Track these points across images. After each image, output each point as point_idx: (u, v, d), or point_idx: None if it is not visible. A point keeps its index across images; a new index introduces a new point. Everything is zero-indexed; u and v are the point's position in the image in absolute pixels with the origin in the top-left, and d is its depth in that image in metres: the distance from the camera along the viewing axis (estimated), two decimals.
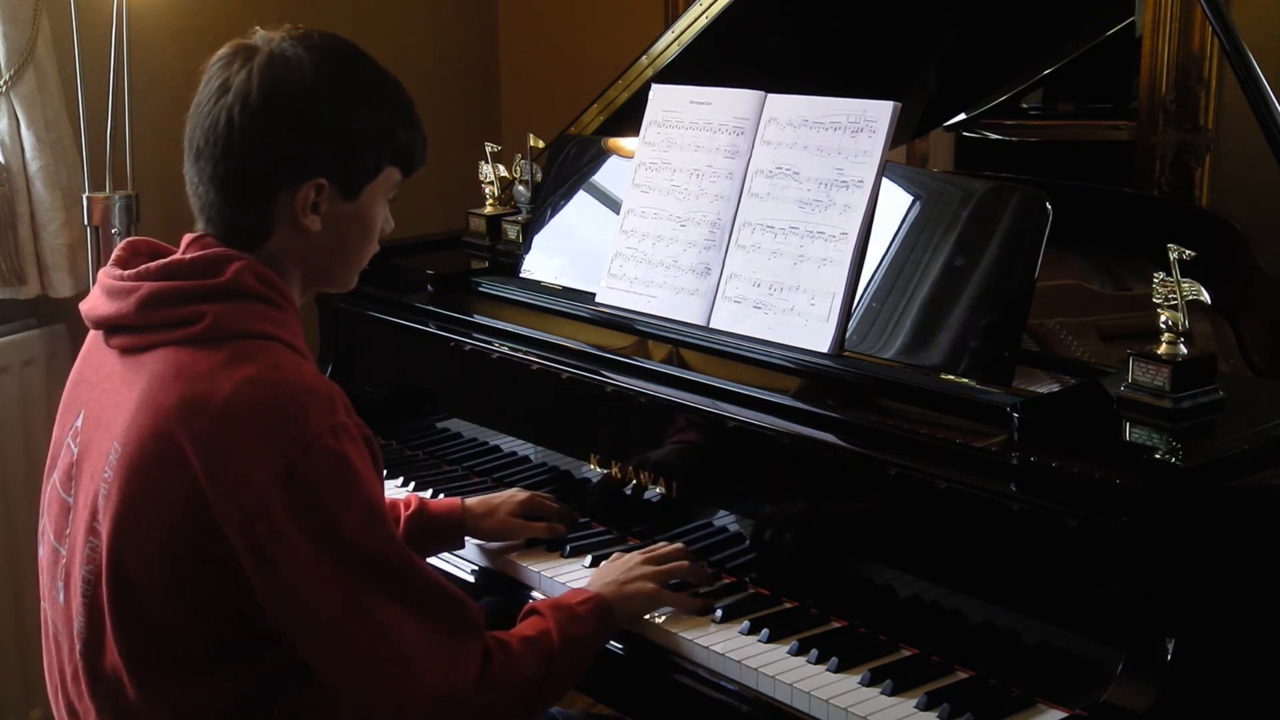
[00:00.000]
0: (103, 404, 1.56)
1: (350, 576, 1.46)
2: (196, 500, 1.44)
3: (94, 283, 1.64)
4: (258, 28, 1.57)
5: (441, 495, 2.18)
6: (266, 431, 1.43)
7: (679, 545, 1.88)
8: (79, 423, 1.60)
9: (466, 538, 2.03)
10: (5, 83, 2.67)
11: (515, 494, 2.06)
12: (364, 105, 1.56)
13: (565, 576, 1.91)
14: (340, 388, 1.52)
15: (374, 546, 1.48)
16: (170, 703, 1.52)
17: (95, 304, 1.58)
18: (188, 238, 1.59)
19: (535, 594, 1.93)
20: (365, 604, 1.46)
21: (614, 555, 1.89)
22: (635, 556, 1.84)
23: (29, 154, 2.72)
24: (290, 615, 1.47)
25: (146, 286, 1.52)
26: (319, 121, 1.53)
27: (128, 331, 1.54)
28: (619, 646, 1.77)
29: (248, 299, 1.52)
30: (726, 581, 1.87)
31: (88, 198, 2.75)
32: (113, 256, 1.60)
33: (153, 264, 1.54)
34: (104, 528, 1.50)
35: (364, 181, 1.58)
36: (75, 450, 1.59)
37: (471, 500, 2.04)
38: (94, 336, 1.63)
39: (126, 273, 1.55)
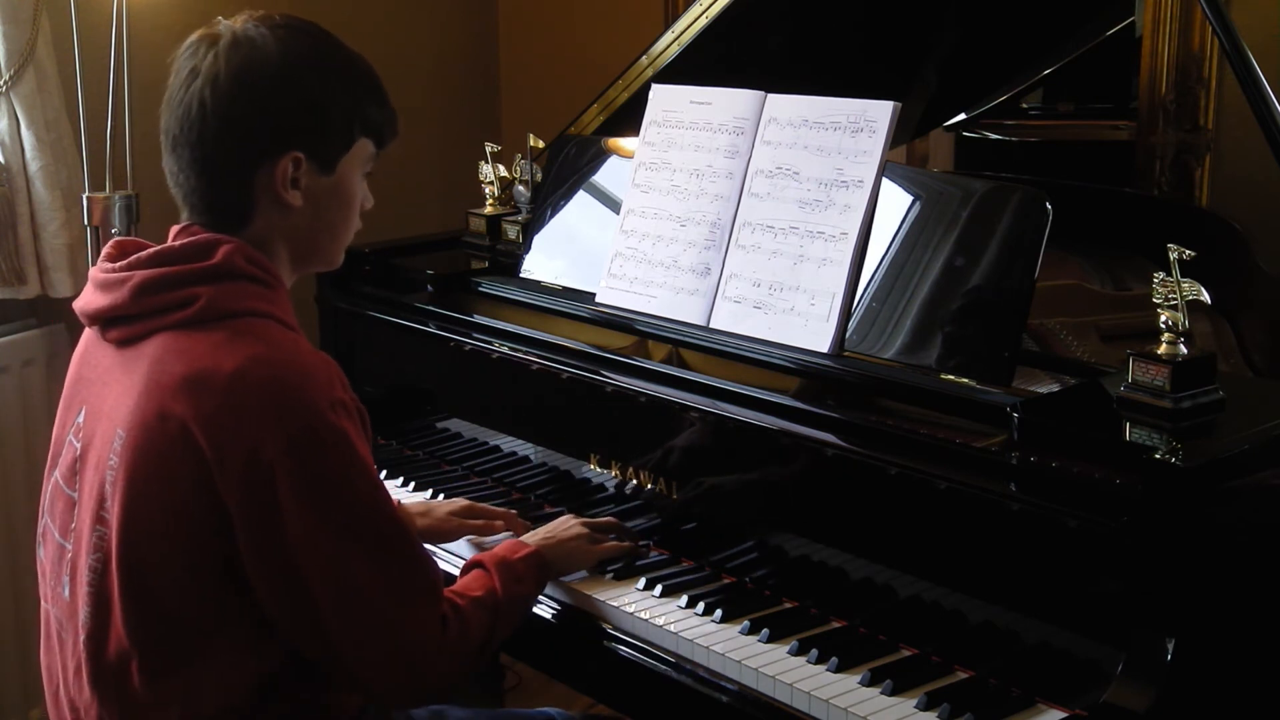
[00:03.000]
0: (103, 397, 1.58)
1: (345, 546, 1.50)
2: (205, 478, 1.47)
3: None
4: (220, 17, 1.60)
5: (441, 495, 2.19)
6: (270, 408, 1.46)
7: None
8: (80, 419, 1.62)
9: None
10: (5, 83, 2.67)
11: (457, 501, 2.08)
12: (330, 78, 1.59)
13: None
14: (335, 361, 1.56)
15: (372, 517, 1.53)
16: (178, 693, 1.53)
17: (89, 299, 1.61)
18: (175, 228, 1.62)
19: None
20: (353, 572, 1.51)
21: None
22: (571, 517, 1.93)
23: (29, 154, 2.72)
24: (274, 580, 1.50)
25: (139, 274, 1.55)
26: (288, 95, 1.56)
27: (124, 322, 1.57)
28: (622, 648, 1.77)
29: (239, 279, 1.55)
30: (727, 581, 1.87)
31: (88, 198, 2.75)
32: (103, 254, 1.63)
33: (143, 253, 1.58)
34: (112, 515, 1.53)
35: (339, 154, 1.61)
36: (78, 446, 1.61)
37: (410, 502, 2.07)
38: (89, 334, 1.65)
39: (117, 264, 1.58)
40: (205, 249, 1.55)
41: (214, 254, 1.55)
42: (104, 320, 1.59)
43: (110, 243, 1.64)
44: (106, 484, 1.53)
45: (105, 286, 1.58)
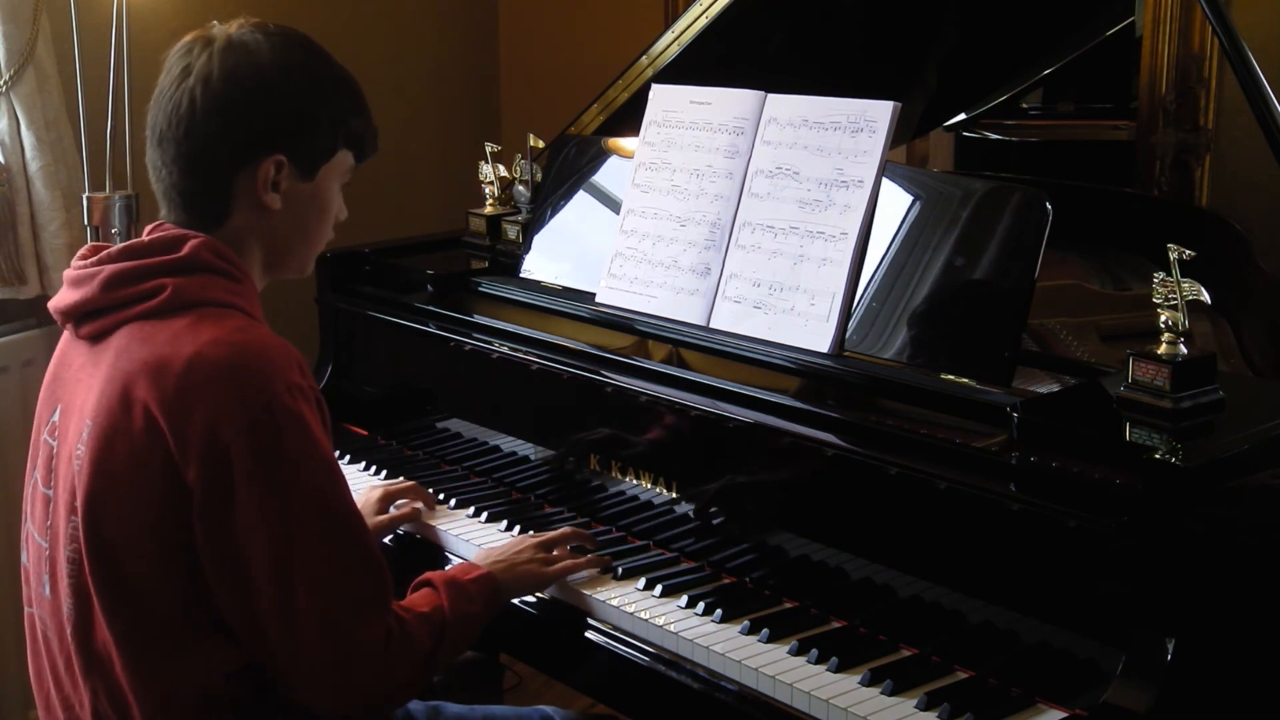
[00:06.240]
0: (75, 393, 1.61)
1: (292, 533, 1.50)
2: (168, 462, 1.48)
3: None
4: (215, 21, 1.64)
5: (442, 495, 2.19)
6: (229, 390, 1.48)
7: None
8: (55, 418, 1.65)
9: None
10: (5, 83, 2.67)
11: (370, 494, 2.09)
12: (318, 87, 1.63)
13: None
14: (296, 349, 1.56)
15: (324, 506, 1.52)
16: (160, 680, 1.54)
17: (61, 297, 1.64)
18: (149, 226, 1.65)
19: None
20: (297, 564, 1.50)
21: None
22: (526, 538, 1.91)
23: (29, 154, 2.72)
24: (223, 566, 1.50)
25: (108, 268, 1.58)
26: (277, 100, 1.60)
27: (94, 316, 1.59)
28: (622, 648, 1.77)
29: (207, 272, 1.58)
30: (727, 581, 1.87)
31: (88, 198, 2.75)
32: (76, 255, 1.66)
33: (113, 249, 1.61)
34: (81, 503, 1.54)
35: (320, 161, 1.65)
36: (54, 444, 1.63)
37: None
38: (65, 336, 1.68)
39: (88, 261, 1.62)
40: (174, 243, 1.59)
41: (182, 247, 1.58)
42: (76, 316, 1.61)
43: (85, 247, 1.67)
44: (76, 474, 1.55)
45: (76, 283, 1.61)
